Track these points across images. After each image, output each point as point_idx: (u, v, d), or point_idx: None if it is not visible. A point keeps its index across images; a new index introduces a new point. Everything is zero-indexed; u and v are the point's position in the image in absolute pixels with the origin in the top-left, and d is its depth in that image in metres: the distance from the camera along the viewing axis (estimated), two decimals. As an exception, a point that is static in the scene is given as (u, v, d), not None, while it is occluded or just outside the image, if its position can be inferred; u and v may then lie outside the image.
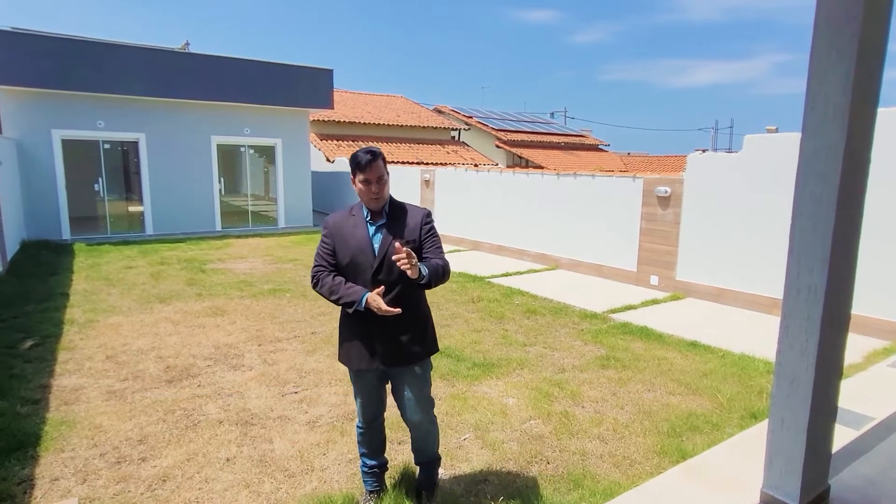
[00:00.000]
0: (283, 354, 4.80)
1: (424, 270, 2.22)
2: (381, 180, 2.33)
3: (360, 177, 2.32)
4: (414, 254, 2.15)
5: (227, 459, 3.10)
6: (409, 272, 2.10)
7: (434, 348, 2.53)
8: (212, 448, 3.22)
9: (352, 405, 3.80)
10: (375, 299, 2.24)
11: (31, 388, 4.00)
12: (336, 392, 4.02)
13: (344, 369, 4.44)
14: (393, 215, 2.43)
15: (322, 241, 2.48)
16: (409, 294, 2.36)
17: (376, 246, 2.37)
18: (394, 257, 2.11)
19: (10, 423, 3.40)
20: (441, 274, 2.32)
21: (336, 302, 2.35)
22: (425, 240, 2.41)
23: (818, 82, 1.41)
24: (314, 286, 2.44)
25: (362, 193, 2.36)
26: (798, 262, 1.54)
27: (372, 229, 2.40)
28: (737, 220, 6.52)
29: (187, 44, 15.33)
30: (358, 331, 2.39)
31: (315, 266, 2.46)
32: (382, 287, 2.28)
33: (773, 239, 6.12)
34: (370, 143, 18.95)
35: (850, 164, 1.40)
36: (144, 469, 3.00)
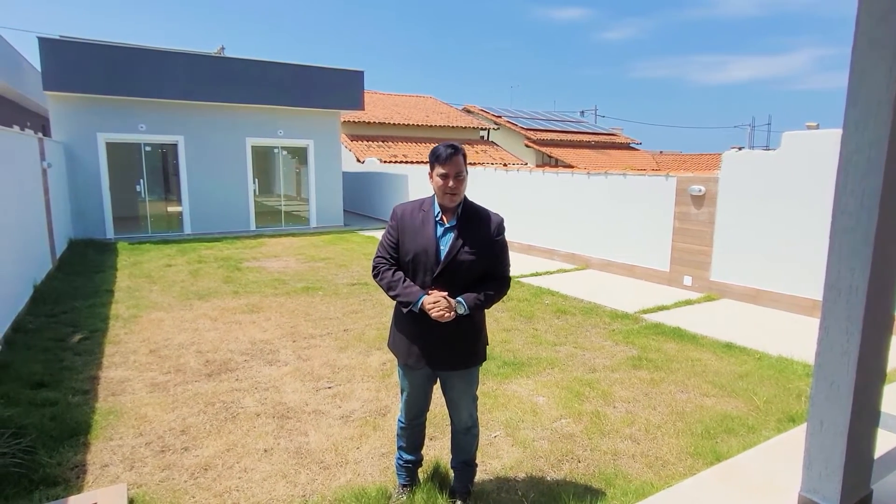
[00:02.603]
0: (316, 350, 4.91)
1: (462, 309, 2.27)
2: (459, 176, 2.27)
3: (438, 170, 2.28)
4: (451, 302, 2.24)
5: (265, 451, 3.20)
6: (444, 319, 2.23)
7: (482, 358, 2.50)
8: (250, 439, 3.33)
9: (384, 401, 3.88)
10: (431, 306, 2.23)
11: (81, 379, 4.21)
12: (368, 388, 4.10)
13: (375, 366, 4.53)
14: (466, 218, 2.36)
15: (387, 232, 2.44)
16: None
17: (443, 249, 2.31)
18: (427, 305, 2.24)
19: (62, 411, 3.59)
20: (489, 302, 2.34)
21: (393, 298, 2.36)
22: (493, 254, 2.35)
23: (860, 77, 1.38)
24: (374, 277, 2.44)
25: (438, 188, 2.31)
26: (839, 261, 1.51)
27: (440, 230, 2.34)
28: (775, 220, 6.34)
29: (222, 48, 15.75)
30: (409, 328, 2.39)
31: (377, 257, 2.44)
32: (446, 292, 2.26)
33: (813, 239, 5.94)
34: (400, 144, 19.12)
35: (895, 161, 1.37)
36: (187, 458, 3.13)
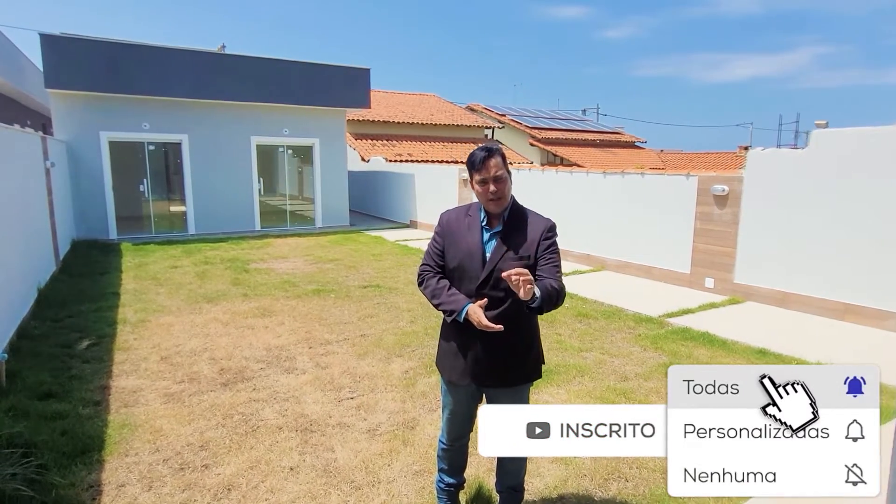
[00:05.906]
0: (334, 357, 4.72)
1: (538, 292, 1.92)
2: (500, 179, 2.10)
3: (476, 177, 2.13)
4: (528, 272, 1.85)
5: (291, 468, 3.01)
6: (520, 293, 1.83)
7: (536, 374, 2.30)
8: (274, 456, 3.14)
9: (410, 412, 3.69)
10: (476, 312, 2.06)
11: (91, 388, 4.01)
12: (393, 398, 3.91)
13: (397, 374, 4.34)
14: (512, 223, 2.19)
15: (433, 239, 2.32)
16: (516, 312, 2.13)
17: (488, 255, 2.16)
18: (503, 275, 1.85)
19: (74, 425, 3.39)
20: (555, 299, 2.01)
21: (436, 307, 2.20)
22: (541, 256, 2.13)
23: None
24: (418, 285, 2.30)
25: (480, 195, 2.16)
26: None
27: (486, 235, 2.19)
28: (803, 220, 6.15)
29: (223, 46, 15.51)
30: (455, 341, 2.23)
31: (422, 264, 2.31)
32: (485, 300, 2.09)
33: (844, 240, 5.74)
34: (404, 143, 18.90)
35: None
36: (208, 477, 2.93)
